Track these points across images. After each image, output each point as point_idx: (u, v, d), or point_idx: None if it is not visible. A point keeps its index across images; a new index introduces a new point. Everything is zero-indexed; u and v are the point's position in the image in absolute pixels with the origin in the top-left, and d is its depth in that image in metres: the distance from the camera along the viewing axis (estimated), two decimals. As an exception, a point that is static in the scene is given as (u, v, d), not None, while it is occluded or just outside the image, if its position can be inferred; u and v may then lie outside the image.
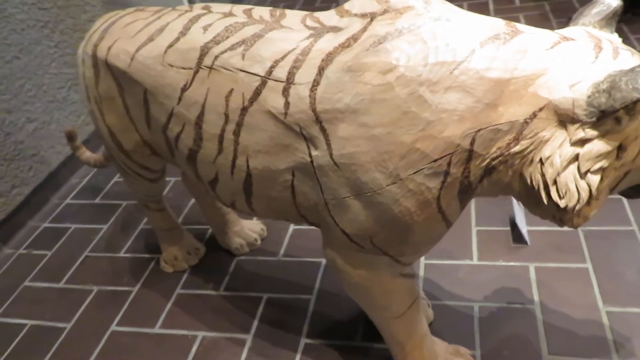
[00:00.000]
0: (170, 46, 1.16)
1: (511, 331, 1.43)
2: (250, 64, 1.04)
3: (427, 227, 0.98)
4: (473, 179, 0.92)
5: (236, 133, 1.08)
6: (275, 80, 1.00)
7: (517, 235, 1.72)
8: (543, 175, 0.86)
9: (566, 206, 0.85)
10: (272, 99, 1.01)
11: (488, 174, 0.91)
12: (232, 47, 1.07)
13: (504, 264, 1.64)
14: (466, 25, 0.89)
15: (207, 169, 1.19)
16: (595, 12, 0.93)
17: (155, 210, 1.82)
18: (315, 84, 0.95)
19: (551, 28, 3.04)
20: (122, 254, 2.03)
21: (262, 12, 1.13)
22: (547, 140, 0.85)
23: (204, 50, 1.10)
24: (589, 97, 0.80)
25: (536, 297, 1.51)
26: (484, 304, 1.52)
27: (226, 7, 1.18)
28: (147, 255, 2.00)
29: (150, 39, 1.20)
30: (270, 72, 1.01)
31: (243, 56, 1.05)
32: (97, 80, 1.35)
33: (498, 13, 3.28)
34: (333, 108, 0.93)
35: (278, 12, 1.12)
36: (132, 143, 1.43)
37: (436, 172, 0.90)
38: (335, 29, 0.99)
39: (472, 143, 0.87)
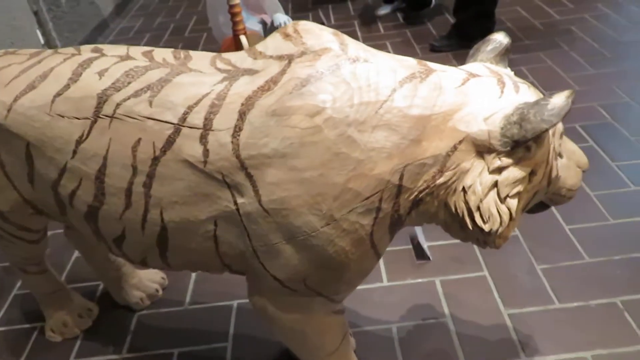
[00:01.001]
0: (58, 94, 1.03)
1: (430, 347, 1.49)
2: (160, 111, 0.96)
3: (361, 263, 0.98)
4: (402, 212, 0.94)
5: (147, 185, 0.99)
6: (191, 127, 0.94)
7: (419, 252, 1.81)
8: (467, 202, 0.91)
9: (490, 230, 0.90)
10: (189, 147, 0.95)
11: (416, 206, 0.94)
12: (136, 94, 0.98)
13: (412, 281, 1.71)
14: (383, 65, 0.92)
15: (111, 226, 1.08)
16: (489, 49, 1.02)
17: (35, 273, 1.60)
18: (238, 129, 0.91)
19: (414, 53, 3.30)
20: (-5, 328, 1.75)
21: (165, 54, 1.06)
22: (468, 170, 0.90)
23: (103, 98, 1.00)
24: (502, 128, 0.87)
25: (446, 310, 1.60)
26: (401, 324, 1.57)
27: (121, 50, 1.09)
28: (26, 326, 1.75)
29: (32, 87, 1.06)
30: (184, 118, 0.95)
31: (150, 103, 0.97)
32: None
33: (366, 40, 3.47)
34: (259, 153, 0.90)
35: (182, 54, 1.06)
36: (8, 203, 1.25)
37: (369, 209, 0.91)
38: (251, 72, 0.96)
39: (400, 178, 0.90)
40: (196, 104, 0.95)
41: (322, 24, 3.60)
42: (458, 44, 3.22)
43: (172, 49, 1.08)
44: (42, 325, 1.73)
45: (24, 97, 1.06)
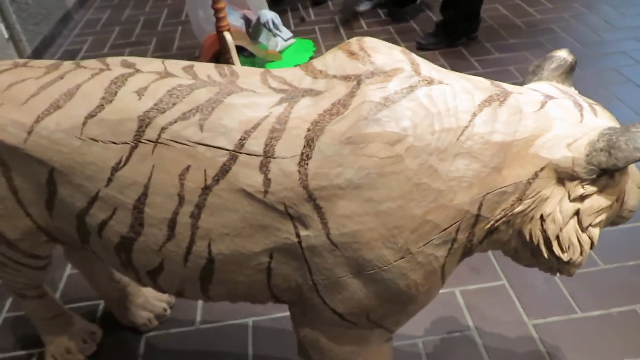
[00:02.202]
0: (91, 116, 0.92)
1: (459, 362, 1.47)
2: (213, 136, 0.87)
3: (429, 295, 0.93)
4: (475, 241, 0.90)
5: (195, 216, 0.91)
6: (249, 154, 0.86)
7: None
8: (544, 231, 0.87)
9: (570, 259, 0.87)
10: (247, 175, 0.86)
11: (489, 235, 0.90)
12: (183, 117, 0.89)
13: (432, 293, 1.68)
14: (458, 87, 0.87)
15: (148, 258, 0.99)
16: (554, 67, 0.98)
17: (34, 298, 1.47)
18: (305, 157, 0.84)
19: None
20: (-14, 358, 1.61)
21: (208, 70, 0.97)
22: (547, 198, 0.86)
23: (145, 121, 0.90)
24: (587, 155, 0.83)
25: (470, 322, 1.58)
26: (427, 338, 1.54)
27: (157, 64, 0.98)
28: (22, 353, 1.62)
29: (56, 106, 0.95)
30: (241, 144, 0.86)
31: (201, 127, 0.88)
32: None
33: (350, 37, 3.41)
34: (331, 184, 0.83)
35: (226, 69, 0.97)
36: (18, 231, 1.13)
37: (445, 241, 0.86)
38: (312, 92, 0.89)
39: (479, 207, 0.85)
40: (254, 128, 0.87)
41: (303, 19, 3.47)
42: (445, 42, 3.21)
43: (214, 64, 0.99)
44: (39, 351, 1.61)
45: (47, 118, 0.95)
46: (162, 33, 3.81)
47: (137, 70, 0.97)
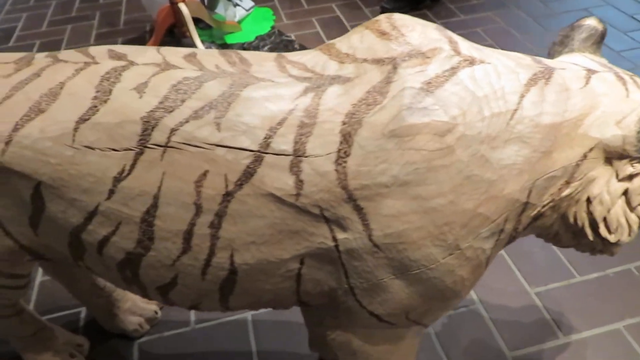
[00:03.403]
0: (83, 120, 0.79)
1: (468, 337, 1.45)
2: (233, 136, 0.77)
3: (471, 288, 0.88)
4: (520, 229, 0.85)
5: (214, 226, 0.81)
6: (277, 154, 0.76)
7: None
8: (590, 213, 0.83)
9: (617, 240, 0.84)
10: (275, 178, 0.77)
11: (534, 221, 0.85)
12: (196, 115, 0.77)
13: (432, 269, 1.65)
14: (501, 65, 0.80)
15: (158, 273, 0.88)
16: (584, 37, 0.92)
17: (10, 316, 1.33)
18: (343, 154, 0.75)
19: (364, 15, 3.16)
20: (-39, 384, 1.46)
21: (214, 58, 0.85)
22: (594, 179, 0.82)
23: (150, 123, 0.78)
24: (638, 132, 0.79)
25: (474, 295, 1.56)
26: (434, 317, 1.51)
27: (152, 54, 0.85)
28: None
29: (38, 110, 0.81)
30: (266, 144, 0.76)
31: (218, 126, 0.77)
32: None
33: (310, 3, 3.26)
34: (374, 183, 0.75)
35: (234, 56, 0.86)
36: (-4, 251, 0.98)
37: (493, 232, 0.81)
38: (340, 80, 0.79)
39: (528, 195, 0.80)
40: (280, 124, 0.77)
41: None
42: (409, 5, 3.13)
43: (219, 50, 0.87)
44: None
45: (28, 124, 0.80)
46: (106, 6, 3.52)
47: (131, 63, 0.83)
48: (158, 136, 0.78)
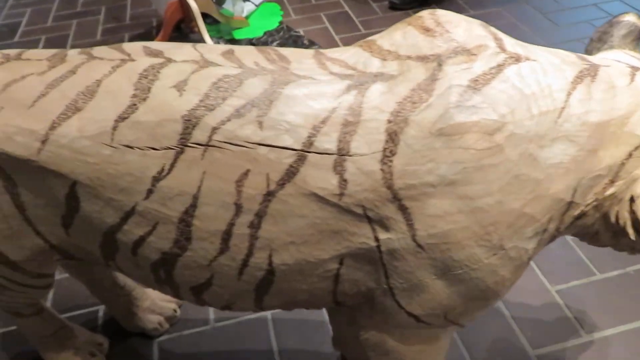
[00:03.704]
0: (122, 118, 0.78)
1: (491, 336, 1.45)
2: (275, 135, 0.76)
3: (509, 288, 0.88)
4: (562, 229, 0.84)
5: (254, 225, 0.80)
6: (320, 153, 0.75)
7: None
8: (633, 212, 0.82)
9: None
10: (318, 177, 0.76)
11: (576, 221, 0.84)
12: (238, 114, 0.76)
13: (452, 267, 1.64)
14: (546, 62, 0.78)
15: (194, 274, 0.87)
16: (624, 33, 0.91)
17: (31, 314, 1.32)
18: (389, 153, 0.74)
19: (372, 11, 3.14)
20: (-20, 384, 1.45)
21: (253, 55, 0.83)
22: (638, 178, 0.81)
23: (191, 121, 0.76)
24: None
25: (495, 294, 1.56)
26: (455, 315, 1.51)
27: (189, 51, 0.84)
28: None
29: (75, 108, 0.79)
30: (309, 142, 0.75)
31: (260, 124, 0.76)
32: None
33: (319, -2, 3.23)
34: (421, 182, 0.74)
35: (272, 53, 0.84)
36: (25, 252, 0.97)
37: (537, 232, 0.80)
38: (384, 77, 0.78)
39: (573, 194, 0.79)
40: (323, 122, 0.75)
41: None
42: (417, 1, 3.11)
43: (256, 47, 0.86)
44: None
45: (65, 123, 0.79)
46: (111, 0, 3.49)
47: (168, 60, 0.82)
48: (199, 135, 0.76)
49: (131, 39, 3.05)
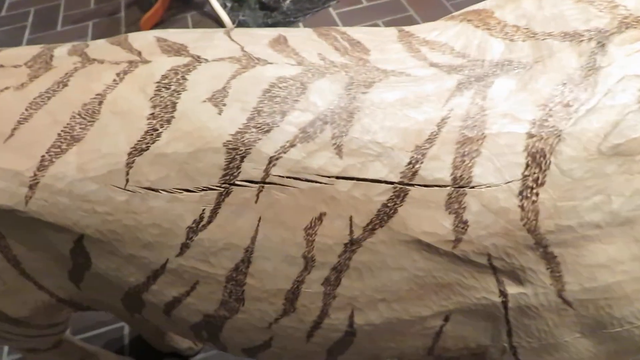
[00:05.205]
0: (139, 150, 0.55)
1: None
2: (362, 163, 0.53)
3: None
4: None
5: (330, 282, 0.58)
6: (428, 186, 0.52)
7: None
8: None
9: None
10: (424, 218, 0.53)
11: None
12: (304, 135, 0.53)
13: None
14: None
15: (247, 336, 0.67)
16: None
17: (47, 349, 1.14)
18: (533, 183, 0.50)
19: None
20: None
21: (312, 41, 0.59)
22: None
23: (238, 150, 0.53)
24: None
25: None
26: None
27: (223, 41, 0.59)
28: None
29: (71, 138, 0.56)
30: (412, 171, 0.52)
31: (338, 149, 0.52)
32: None
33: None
34: (581, 223, 0.51)
35: (340, 37, 0.59)
36: (27, 307, 0.78)
37: None
38: (511, 67, 0.53)
39: None
40: (429, 141, 0.52)
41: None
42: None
43: (313, 30, 0.61)
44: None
45: (60, 159, 0.56)
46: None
47: (196, 58, 0.57)
48: (251, 169, 0.53)
49: (127, 6, 2.76)
